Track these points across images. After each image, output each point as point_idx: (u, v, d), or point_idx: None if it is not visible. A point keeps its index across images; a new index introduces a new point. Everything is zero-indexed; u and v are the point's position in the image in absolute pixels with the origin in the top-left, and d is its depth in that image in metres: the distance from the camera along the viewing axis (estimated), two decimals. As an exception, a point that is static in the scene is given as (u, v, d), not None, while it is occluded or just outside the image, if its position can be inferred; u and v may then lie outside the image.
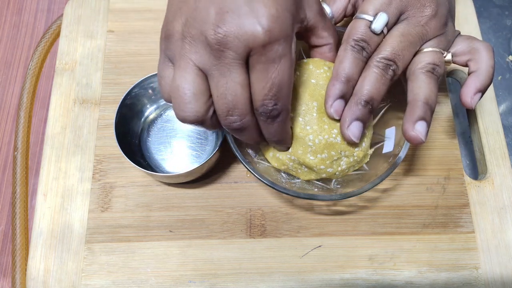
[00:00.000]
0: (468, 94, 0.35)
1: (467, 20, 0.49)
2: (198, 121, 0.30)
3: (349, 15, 0.39)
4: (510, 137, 0.53)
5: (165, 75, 0.31)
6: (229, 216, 0.42)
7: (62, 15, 0.50)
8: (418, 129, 0.33)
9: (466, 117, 0.48)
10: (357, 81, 0.33)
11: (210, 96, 0.29)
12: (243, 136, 0.32)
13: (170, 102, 0.31)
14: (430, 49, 0.34)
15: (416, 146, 0.44)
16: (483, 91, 0.35)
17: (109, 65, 0.47)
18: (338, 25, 0.40)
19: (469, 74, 0.36)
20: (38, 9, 0.91)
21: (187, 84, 0.28)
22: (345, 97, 0.33)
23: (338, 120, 0.34)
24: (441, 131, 0.45)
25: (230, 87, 0.28)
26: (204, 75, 0.28)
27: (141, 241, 0.41)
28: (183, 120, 0.30)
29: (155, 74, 0.42)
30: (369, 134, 0.37)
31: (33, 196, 0.45)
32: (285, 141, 0.34)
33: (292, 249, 0.41)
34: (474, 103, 0.35)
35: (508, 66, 0.56)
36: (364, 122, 0.33)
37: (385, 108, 0.40)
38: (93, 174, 0.43)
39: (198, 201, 0.42)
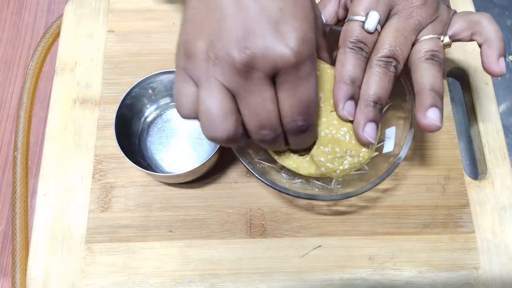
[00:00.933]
0: (492, 63, 0.35)
1: (467, 20, 0.49)
2: (229, 140, 0.30)
3: (342, 19, 0.39)
4: (510, 137, 0.53)
5: (185, 92, 0.30)
6: (229, 216, 0.42)
7: (62, 15, 0.50)
8: (430, 117, 0.33)
9: (466, 117, 0.48)
10: (361, 81, 0.34)
11: (239, 114, 0.29)
12: (272, 146, 0.32)
13: (190, 119, 0.31)
14: (426, 37, 0.35)
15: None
16: (503, 54, 0.35)
17: (109, 65, 0.47)
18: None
19: (480, 46, 0.36)
20: (38, 9, 0.91)
21: (216, 104, 0.28)
22: (354, 97, 0.33)
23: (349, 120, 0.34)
24: (441, 131, 0.45)
25: (261, 105, 0.28)
26: (231, 94, 0.28)
27: (141, 241, 0.41)
28: (214, 139, 0.30)
29: (155, 74, 0.42)
30: (376, 136, 0.37)
31: (33, 196, 0.45)
32: (309, 144, 0.34)
33: (292, 249, 0.41)
34: (503, 68, 0.35)
35: (508, 66, 0.56)
36: (377, 122, 0.34)
37: (385, 108, 0.40)
38: (93, 174, 0.43)
39: (198, 201, 0.42)
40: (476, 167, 0.46)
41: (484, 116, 0.46)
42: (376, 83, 0.33)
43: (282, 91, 0.28)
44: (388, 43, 0.33)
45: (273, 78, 0.28)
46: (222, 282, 0.39)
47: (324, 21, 0.39)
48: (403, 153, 0.36)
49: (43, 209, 0.42)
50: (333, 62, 0.36)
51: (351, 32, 0.34)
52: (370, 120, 0.33)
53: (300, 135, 0.31)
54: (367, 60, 0.34)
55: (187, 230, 0.41)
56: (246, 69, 0.27)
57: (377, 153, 0.38)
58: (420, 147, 0.44)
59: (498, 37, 0.35)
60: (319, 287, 0.39)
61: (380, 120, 0.35)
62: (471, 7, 0.50)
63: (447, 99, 0.46)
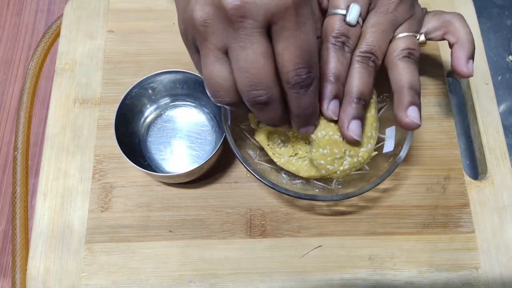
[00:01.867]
0: (462, 64, 0.36)
1: (467, 20, 0.49)
2: (233, 105, 0.29)
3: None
4: (510, 137, 0.53)
5: (196, 63, 0.30)
6: (229, 216, 0.42)
7: (62, 15, 0.50)
8: (411, 115, 0.33)
9: (466, 117, 0.48)
10: (345, 78, 0.33)
11: None
12: (267, 113, 0.29)
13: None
14: (403, 34, 0.35)
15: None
16: (472, 57, 0.36)
17: (109, 65, 0.47)
18: None
19: (451, 46, 0.37)
20: (38, 9, 0.91)
21: (211, 71, 0.28)
22: (339, 96, 0.33)
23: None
24: (441, 131, 0.45)
25: (252, 59, 0.26)
26: (227, 57, 0.27)
27: (141, 241, 0.41)
28: (219, 104, 0.29)
29: (155, 74, 0.42)
30: (375, 135, 0.37)
31: (33, 196, 0.45)
32: (315, 114, 0.32)
33: (292, 249, 0.41)
34: (471, 70, 0.36)
35: (508, 66, 0.56)
36: (361, 118, 0.33)
37: (385, 107, 0.40)
38: (93, 174, 0.43)
39: (198, 201, 0.42)
40: (476, 167, 0.46)
41: (484, 116, 0.46)
42: (357, 79, 0.33)
43: (280, 42, 0.26)
44: (365, 39, 0.34)
45: (268, 30, 0.26)
46: (222, 282, 0.39)
47: None
48: (403, 153, 0.36)
49: (43, 209, 0.42)
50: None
51: (333, 26, 0.33)
52: (354, 117, 0.33)
53: (305, 93, 0.28)
54: (351, 55, 0.34)
55: (187, 230, 0.41)
56: (237, 19, 0.25)
57: (376, 152, 0.38)
58: (420, 147, 0.44)
59: (469, 40, 0.36)
60: (319, 287, 0.39)
61: (365, 117, 0.34)
62: (471, 7, 0.50)
63: (447, 99, 0.46)
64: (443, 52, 0.48)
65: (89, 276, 0.40)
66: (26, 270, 0.40)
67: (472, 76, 0.36)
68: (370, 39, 0.34)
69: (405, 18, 0.35)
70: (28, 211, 0.46)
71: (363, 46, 0.33)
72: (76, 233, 0.41)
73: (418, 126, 0.33)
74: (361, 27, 0.34)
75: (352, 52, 0.34)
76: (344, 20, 0.33)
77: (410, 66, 0.34)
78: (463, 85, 0.49)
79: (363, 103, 0.33)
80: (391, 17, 0.34)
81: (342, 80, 0.33)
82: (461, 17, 0.37)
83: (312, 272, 0.40)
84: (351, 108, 0.33)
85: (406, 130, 0.35)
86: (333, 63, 0.33)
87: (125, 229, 0.41)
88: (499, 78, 0.56)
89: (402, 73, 0.34)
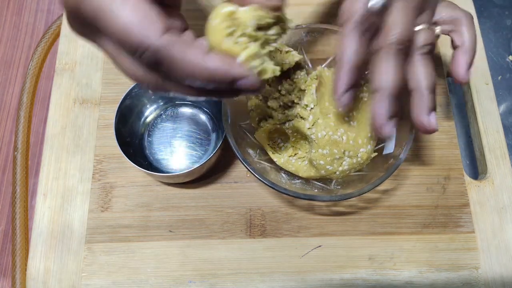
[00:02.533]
0: (461, 71, 0.36)
1: (467, 20, 0.49)
2: (154, 89, 0.28)
3: None
4: (510, 137, 0.53)
5: None
6: (229, 216, 0.42)
7: (62, 15, 0.50)
8: (432, 121, 0.32)
9: (466, 117, 0.48)
10: (364, 65, 0.31)
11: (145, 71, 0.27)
12: (172, 87, 0.27)
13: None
14: (421, 26, 0.33)
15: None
16: (472, 63, 0.37)
17: (109, 65, 0.47)
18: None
19: (454, 47, 0.37)
20: (38, 9, 0.91)
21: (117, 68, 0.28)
22: (356, 85, 0.32)
23: (344, 119, 0.34)
24: (441, 131, 0.45)
25: (119, 62, 0.26)
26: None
27: (141, 241, 0.41)
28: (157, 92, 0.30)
29: (155, 74, 0.42)
30: (375, 137, 0.37)
31: (33, 196, 0.45)
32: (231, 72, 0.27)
33: (292, 249, 0.41)
34: (468, 77, 0.37)
35: (508, 66, 0.56)
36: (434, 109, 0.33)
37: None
38: (93, 174, 0.43)
39: (198, 201, 0.42)
40: (476, 167, 0.46)
41: (484, 116, 0.46)
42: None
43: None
44: (395, 25, 0.31)
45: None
46: (222, 282, 0.39)
47: None
48: (403, 155, 0.36)
49: (43, 209, 0.42)
50: (311, 62, 0.35)
51: (355, 10, 0.30)
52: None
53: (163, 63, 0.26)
54: (372, 40, 0.31)
55: (187, 230, 0.41)
56: (84, 25, 0.26)
57: (376, 153, 0.38)
58: (420, 147, 0.44)
59: (473, 47, 0.36)
60: (319, 287, 0.39)
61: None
62: (471, 7, 0.50)
63: (447, 99, 0.46)
64: (444, 52, 0.48)
65: (89, 276, 0.40)
66: (26, 270, 0.40)
67: (468, 82, 0.36)
68: (399, 28, 0.30)
69: (426, 8, 0.32)
70: (28, 211, 0.46)
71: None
72: (76, 233, 0.41)
73: (436, 131, 0.33)
74: (384, 9, 0.31)
75: (374, 36, 0.31)
76: (368, 4, 0.30)
77: (429, 65, 0.32)
78: (463, 85, 0.49)
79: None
80: (418, 2, 0.31)
81: (361, 69, 0.31)
82: (471, 17, 0.36)
83: (312, 272, 0.40)
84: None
85: (424, 134, 0.35)
86: (352, 49, 0.30)
87: (125, 229, 0.41)
88: (499, 78, 0.56)
89: (422, 71, 0.32)
